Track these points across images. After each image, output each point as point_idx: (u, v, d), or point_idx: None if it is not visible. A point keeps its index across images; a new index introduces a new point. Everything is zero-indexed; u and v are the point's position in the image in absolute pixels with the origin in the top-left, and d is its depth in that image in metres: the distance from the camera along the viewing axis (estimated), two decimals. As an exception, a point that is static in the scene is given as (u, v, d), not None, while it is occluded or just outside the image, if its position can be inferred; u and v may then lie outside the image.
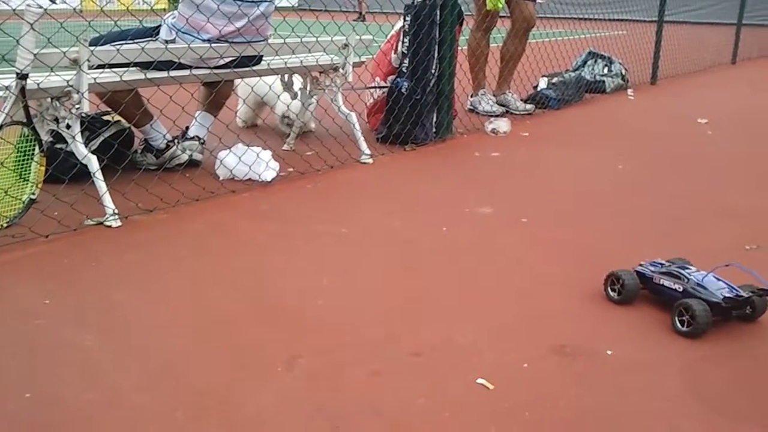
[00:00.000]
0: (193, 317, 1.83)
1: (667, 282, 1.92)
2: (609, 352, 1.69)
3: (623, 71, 6.18)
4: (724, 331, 1.81)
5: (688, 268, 1.94)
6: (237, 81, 3.55)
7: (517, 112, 4.86)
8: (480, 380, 1.55)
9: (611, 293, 1.97)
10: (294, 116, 3.70)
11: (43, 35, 2.36)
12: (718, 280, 1.87)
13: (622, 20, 8.50)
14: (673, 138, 4.22)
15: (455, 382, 1.55)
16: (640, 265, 2.01)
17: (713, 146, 4.01)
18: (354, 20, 12.64)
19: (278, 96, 3.78)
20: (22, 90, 2.33)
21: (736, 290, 1.83)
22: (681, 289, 1.88)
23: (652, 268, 1.98)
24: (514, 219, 2.65)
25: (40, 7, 2.31)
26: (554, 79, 5.46)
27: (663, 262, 2.01)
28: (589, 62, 6.20)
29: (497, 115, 4.64)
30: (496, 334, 1.78)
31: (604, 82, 5.94)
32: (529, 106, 4.93)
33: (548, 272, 2.17)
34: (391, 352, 1.67)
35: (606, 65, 6.17)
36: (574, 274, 2.14)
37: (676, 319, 1.80)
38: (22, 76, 2.31)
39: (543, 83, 5.42)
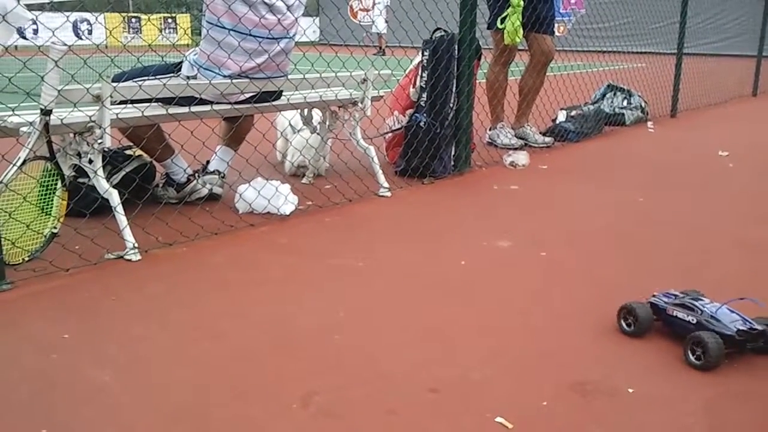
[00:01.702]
0: (211, 352, 1.83)
1: (680, 314, 1.90)
2: (630, 390, 1.66)
3: (643, 104, 6.17)
4: (744, 366, 1.77)
5: (701, 300, 1.93)
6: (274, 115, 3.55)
7: (536, 145, 4.85)
8: (498, 419, 1.53)
9: (624, 326, 1.96)
10: (307, 162, 3.69)
11: (66, 71, 2.41)
12: (732, 312, 1.86)
13: (641, 53, 8.51)
14: (693, 171, 4.19)
15: (473, 420, 1.53)
16: (654, 296, 2.00)
17: (734, 179, 3.98)
18: (374, 54, 12.79)
19: (290, 142, 3.77)
20: (46, 125, 2.37)
21: (750, 323, 1.82)
22: (695, 321, 1.86)
23: (666, 300, 1.97)
24: (533, 253, 2.63)
25: (65, 44, 2.35)
26: (573, 112, 5.46)
27: (677, 293, 2.00)
28: (608, 95, 6.19)
29: (516, 148, 4.64)
30: (514, 370, 1.75)
31: (623, 114, 5.93)
32: (548, 139, 4.92)
33: (567, 307, 2.14)
34: (408, 389, 1.65)
35: (625, 98, 6.16)
36: (593, 309, 2.12)
37: (689, 352, 1.79)
38: (46, 112, 2.35)
39: (562, 116, 5.42)
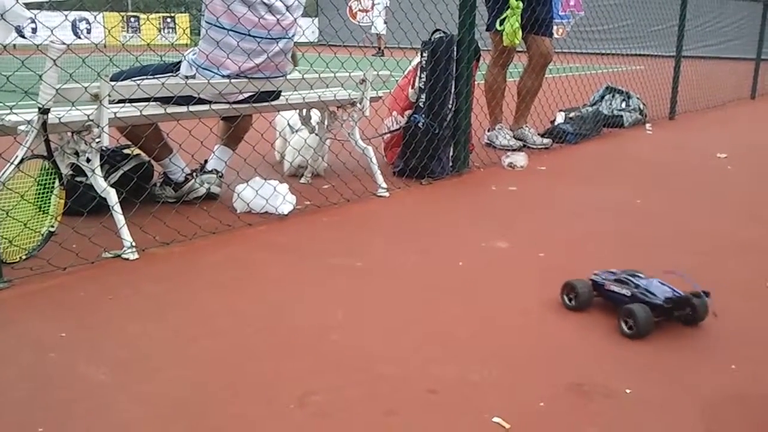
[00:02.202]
0: (208, 351, 1.83)
1: (616, 288, 2.07)
2: (627, 391, 1.66)
3: (641, 106, 6.18)
4: (743, 368, 1.77)
5: (637, 276, 2.09)
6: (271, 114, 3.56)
7: (535, 147, 4.86)
8: (496, 419, 1.52)
9: (567, 301, 2.13)
10: (306, 162, 3.70)
11: (65, 70, 2.40)
12: (663, 284, 2.03)
13: (639, 55, 8.52)
14: (692, 173, 4.20)
15: (471, 420, 1.53)
16: (595, 274, 2.16)
17: (733, 181, 3.98)
18: (373, 55, 12.78)
19: (289, 142, 3.78)
20: (44, 124, 2.37)
21: (678, 293, 1.99)
22: (629, 294, 2.03)
23: (605, 276, 2.13)
24: (530, 254, 2.63)
25: (63, 43, 2.35)
26: (572, 114, 5.47)
27: (615, 271, 2.15)
28: (606, 97, 6.20)
29: (514, 150, 4.65)
30: (512, 371, 1.75)
31: (622, 116, 5.93)
32: (546, 141, 4.93)
33: (562, 308, 2.14)
34: (406, 389, 1.65)
35: (624, 100, 6.17)
36: (590, 310, 2.12)
37: (622, 323, 1.95)
38: (44, 111, 2.35)
39: (560, 118, 5.43)
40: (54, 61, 2.30)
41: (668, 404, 1.61)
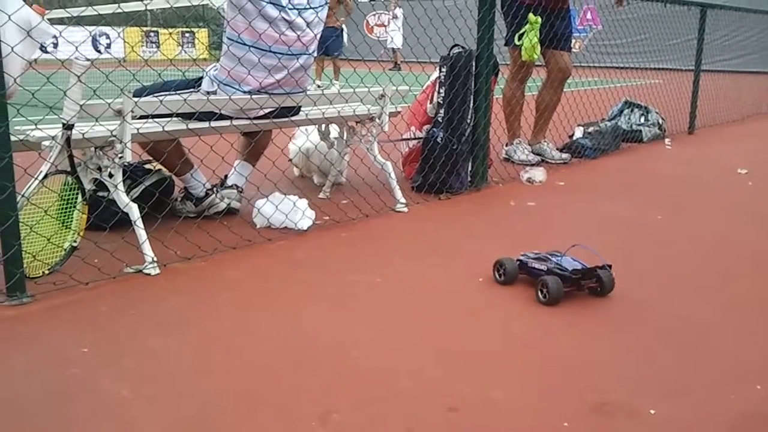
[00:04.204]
0: (229, 366, 1.83)
1: (536, 265, 2.41)
2: (652, 411, 1.64)
3: (660, 120, 6.14)
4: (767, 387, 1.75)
5: (555, 254, 2.44)
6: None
7: (553, 161, 4.84)
8: (518, 439, 1.51)
9: (497, 276, 2.47)
10: (315, 168, 3.77)
11: (88, 86, 2.43)
12: (574, 260, 2.37)
13: (658, 69, 8.48)
14: (712, 188, 4.16)
15: (493, 440, 1.52)
16: (522, 254, 2.48)
17: (754, 197, 3.94)
18: (390, 69, 12.85)
19: (316, 146, 3.82)
20: (68, 140, 2.39)
21: (585, 266, 2.33)
22: (545, 269, 2.36)
23: (529, 256, 2.46)
24: (551, 270, 2.62)
25: (87, 59, 2.38)
26: (590, 129, 5.45)
27: (538, 252, 2.48)
28: (625, 111, 6.18)
29: (533, 164, 4.63)
30: (534, 389, 1.74)
31: (641, 131, 5.91)
32: (565, 155, 4.91)
33: (589, 324, 2.13)
34: (427, 408, 1.64)
35: (643, 114, 6.14)
36: (614, 327, 2.10)
37: (538, 293, 2.29)
38: (68, 127, 2.38)
39: (579, 132, 5.41)
40: (78, 77, 2.33)
41: (693, 425, 1.59)
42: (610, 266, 2.35)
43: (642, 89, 6.61)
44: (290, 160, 4.06)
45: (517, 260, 2.46)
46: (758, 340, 2.04)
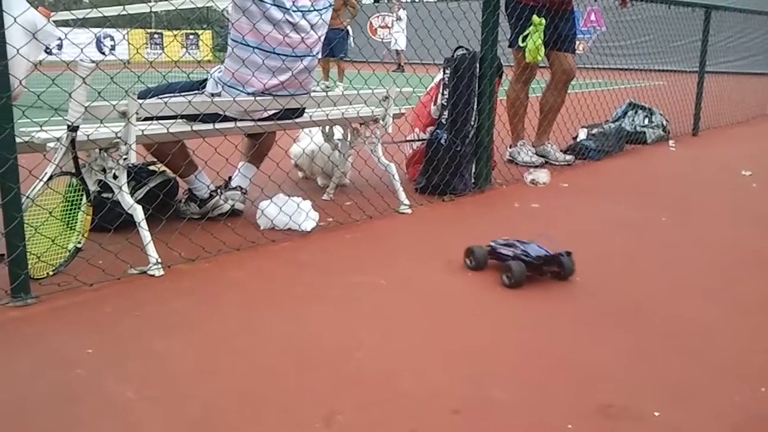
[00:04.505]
0: (233, 367, 1.83)
1: (504, 251, 2.56)
2: (656, 414, 1.63)
3: (664, 122, 6.13)
4: (776, 393, 1.75)
5: (523, 243, 2.58)
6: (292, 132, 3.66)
7: (557, 163, 4.84)
8: (522, 441, 1.51)
9: (468, 262, 2.62)
10: (319, 169, 3.80)
11: (93, 87, 2.44)
12: (540, 248, 2.53)
13: (661, 71, 8.47)
14: (716, 190, 4.16)
15: (497, 442, 1.52)
16: (492, 242, 2.64)
17: (758, 199, 3.94)
18: (393, 71, 12.87)
19: (320, 148, 3.83)
20: (73, 141, 2.40)
21: (549, 253, 2.50)
22: (512, 255, 2.52)
23: (499, 241, 2.63)
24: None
25: (92, 61, 2.39)
26: (594, 130, 5.44)
27: (507, 239, 2.64)
28: (629, 113, 6.17)
29: (536, 166, 4.63)
30: (538, 391, 1.74)
31: (644, 133, 5.90)
32: (568, 157, 4.91)
33: (592, 327, 2.13)
34: (431, 409, 1.64)
35: (646, 116, 6.13)
36: (619, 329, 2.10)
37: (504, 277, 2.46)
38: (73, 128, 2.38)
39: (583, 134, 5.41)
40: (83, 79, 2.34)
41: (697, 428, 1.59)
42: (569, 253, 2.52)
43: (646, 91, 6.60)
44: (295, 165, 4.07)
45: (488, 246, 2.62)
46: (763, 342, 2.03)
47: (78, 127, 2.39)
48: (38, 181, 2.35)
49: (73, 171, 2.46)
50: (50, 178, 2.38)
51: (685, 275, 2.62)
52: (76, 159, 2.45)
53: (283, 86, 3.03)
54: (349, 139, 3.62)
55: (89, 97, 2.40)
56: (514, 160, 4.83)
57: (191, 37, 20.42)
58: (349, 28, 11.27)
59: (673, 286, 2.51)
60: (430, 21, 4.07)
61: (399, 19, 18.06)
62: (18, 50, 2.21)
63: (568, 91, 4.89)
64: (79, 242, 2.51)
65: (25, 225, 2.20)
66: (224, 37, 3.03)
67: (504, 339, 2.05)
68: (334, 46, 10.17)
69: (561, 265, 2.50)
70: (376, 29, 23.73)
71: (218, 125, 2.88)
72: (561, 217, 3.48)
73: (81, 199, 2.51)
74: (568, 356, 1.94)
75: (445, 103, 3.83)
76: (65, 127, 2.39)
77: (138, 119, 2.55)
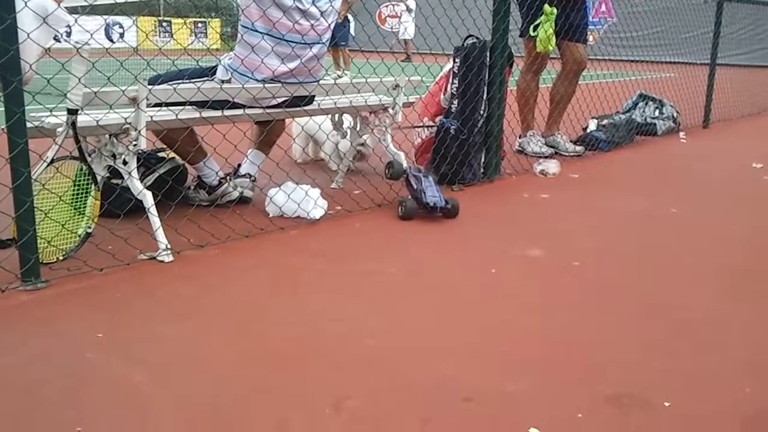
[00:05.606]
0: (241, 354, 1.83)
1: (413, 182, 3.12)
2: (666, 404, 1.63)
3: (675, 114, 6.10)
4: (788, 385, 1.74)
5: (428, 181, 3.11)
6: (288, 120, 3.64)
7: (567, 154, 4.82)
8: (532, 430, 1.51)
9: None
10: (327, 157, 3.84)
11: (103, 73, 2.43)
12: (435, 195, 3.06)
13: (672, 62, 8.41)
14: (727, 182, 4.13)
15: (507, 431, 1.51)
16: (410, 168, 3.28)
17: (770, 191, 3.91)
18: (402, 61, 12.83)
19: (327, 136, 3.83)
20: (74, 125, 2.39)
21: (441, 200, 3.08)
22: (415, 188, 3.08)
23: (413, 170, 3.22)
24: (565, 262, 2.61)
25: (99, 44, 2.37)
26: (604, 121, 5.41)
27: (422, 170, 3.24)
28: (639, 104, 6.13)
29: (546, 157, 4.61)
30: (549, 381, 1.73)
31: (655, 124, 5.86)
32: (578, 148, 4.88)
33: (603, 317, 2.12)
34: (442, 398, 1.64)
35: (657, 108, 6.09)
36: (629, 320, 2.09)
37: (399, 208, 3.10)
38: (72, 112, 2.37)
39: (593, 125, 5.38)
40: (92, 63, 2.33)
41: (707, 419, 1.58)
42: (455, 205, 3.10)
43: (657, 82, 6.56)
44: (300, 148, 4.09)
45: (404, 171, 3.27)
46: (774, 334, 2.02)
47: (77, 110, 2.38)
48: (42, 162, 2.34)
49: (77, 156, 2.46)
50: (52, 161, 2.37)
51: (695, 267, 2.61)
52: (79, 144, 2.44)
53: (293, 74, 3.02)
54: (358, 127, 3.61)
55: (97, 82, 2.39)
56: (524, 151, 4.81)
57: (200, 25, 20.39)
58: (349, 16, 11.23)
59: (682, 277, 2.50)
60: (441, 10, 4.05)
61: (409, 9, 17.97)
62: (29, 34, 2.20)
63: (579, 82, 4.86)
64: (89, 227, 2.51)
65: (35, 209, 2.20)
66: (233, 25, 3.01)
67: (514, 329, 2.04)
68: (337, 35, 10.16)
69: (447, 210, 3.09)
70: (385, 18, 23.63)
71: (227, 112, 2.87)
72: (570, 208, 3.46)
73: (90, 185, 2.51)
74: (579, 347, 1.93)
75: (455, 93, 3.81)
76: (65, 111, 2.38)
77: (148, 105, 2.54)
